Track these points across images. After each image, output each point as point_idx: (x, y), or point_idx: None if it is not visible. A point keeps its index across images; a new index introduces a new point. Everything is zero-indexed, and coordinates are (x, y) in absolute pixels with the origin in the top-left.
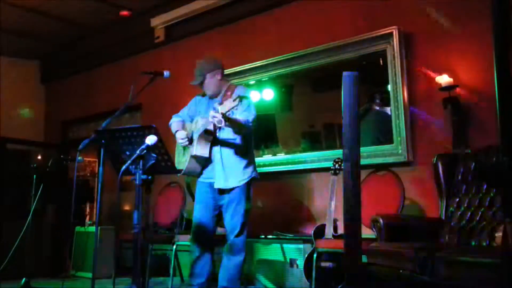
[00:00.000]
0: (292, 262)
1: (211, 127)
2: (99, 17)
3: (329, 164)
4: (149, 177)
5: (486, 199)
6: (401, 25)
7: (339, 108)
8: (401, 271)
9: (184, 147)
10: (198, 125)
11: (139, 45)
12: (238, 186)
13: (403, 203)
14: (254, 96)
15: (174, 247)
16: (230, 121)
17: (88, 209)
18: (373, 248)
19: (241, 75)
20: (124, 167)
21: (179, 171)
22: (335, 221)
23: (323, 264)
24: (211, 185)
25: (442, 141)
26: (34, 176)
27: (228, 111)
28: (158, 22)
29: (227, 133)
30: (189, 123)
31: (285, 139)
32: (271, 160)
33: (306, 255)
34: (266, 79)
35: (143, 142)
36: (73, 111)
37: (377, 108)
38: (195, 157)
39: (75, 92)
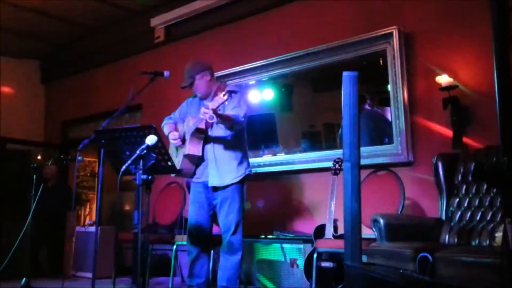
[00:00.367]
0: (292, 262)
1: (202, 125)
2: (99, 17)
3: (329, 164)
4: (149, 177)
5: (486, 199)
6: (401, 25)
7: (339, 108)
8: (401, 271)
9: (177, 148)
10: (190, 125)
11: (139, 45)
12: (232, 184)
13: (403, 203)
14: (254, 96)
15: (174, 247)
16: (221, 117)
17: (88, 210)
18: (373, 248)
19: (241, 75)
20: (124, 167)
21: (179, 171)
22: (335, 221)
23: (323, 264)
24: (204, 185)
25: (442, 141)
26: (34, 176)
27: (218, 106)
28: (158, 22)
29: (219, 131)
30: (181, 124)
31: (285, 139)
32: (271, 160)
33: (306, 255)
34: (266, 79)
35: (143, 142)
36: (73, 111)
37: (368, 108)
38: (188, 156)
39: (75, 92)
